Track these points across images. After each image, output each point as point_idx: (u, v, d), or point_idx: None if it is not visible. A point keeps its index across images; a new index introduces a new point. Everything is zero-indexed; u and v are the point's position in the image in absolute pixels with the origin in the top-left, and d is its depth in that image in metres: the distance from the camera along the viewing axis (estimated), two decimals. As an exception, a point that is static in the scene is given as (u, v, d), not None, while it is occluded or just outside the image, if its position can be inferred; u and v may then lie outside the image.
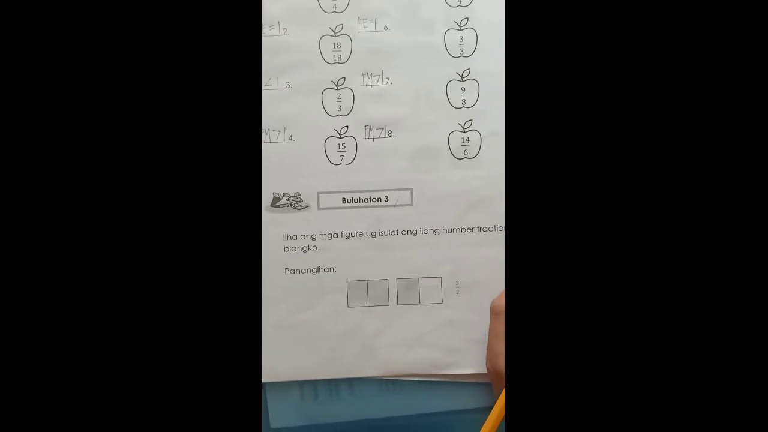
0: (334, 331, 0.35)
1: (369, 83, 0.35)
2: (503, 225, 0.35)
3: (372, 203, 0.35)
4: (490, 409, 0.28)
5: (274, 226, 0.35)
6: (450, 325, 0.35)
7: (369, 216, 0.35)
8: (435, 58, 0.35)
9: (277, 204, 0.35)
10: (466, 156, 0.35)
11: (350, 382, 0.35)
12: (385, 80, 0.35)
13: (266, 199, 0.35)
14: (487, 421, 0.28)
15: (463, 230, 0.35)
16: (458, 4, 0.35)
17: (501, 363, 0.31)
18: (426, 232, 0.35)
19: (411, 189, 0.35)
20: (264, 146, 0.35)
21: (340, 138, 0.35)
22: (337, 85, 0.35)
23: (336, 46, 0.35)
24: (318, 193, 0.35)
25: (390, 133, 0.35)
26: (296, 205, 0.35)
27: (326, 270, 0.35)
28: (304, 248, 0.35)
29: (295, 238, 0.35)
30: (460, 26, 0.35)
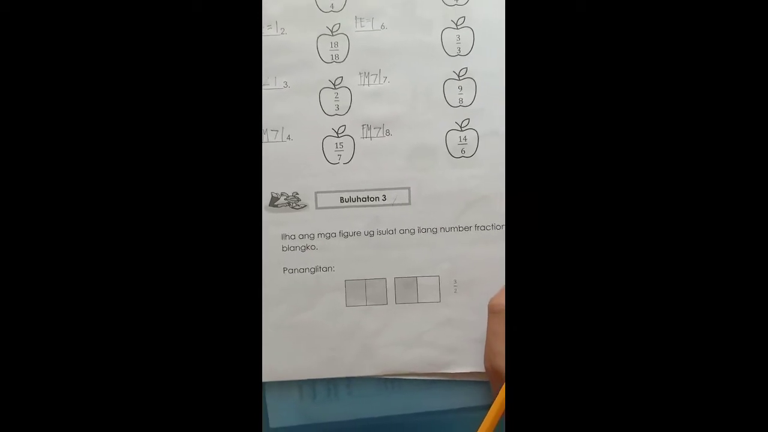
0: (333, 330, 0.35)
1: (366, 82, 0.35)
2: (501, 224, 0.35)
3: (370, 202, 0.35)
4: (488, 407, 0.28)
5: (272, 225, 0.35)
6: (448, 323, 0.35)
7: (367, 215, 0.35)
8: (432, 57, 0.35)
9: (276, 204, 0.35)
10: (464, 155, 0.35)
11: (349, 381, 0.35)
12: (382, 79, 0.35)
13: (264, 198, 0.35)
14: (485, 419, 0.28)
15: (461, 229, 0.35)
16: (455, 2, 0.35)
17: (499, 361, 0.31)
18: (424, 230, 0.35)
19: (408, 188, 0.35)
20: (262, 146, 0.35)
21: (338, 137, 0.35)
22: (334, 85, 0.35)
23: (333, 45, 0.35)
24: (316, 193, 0.35)
25: (387, 132, 0.35)
26: (294, 204, 0.35)
27: (324, 269, 0.35)
28: (303, 248, 0.35)
29: (293, 237, 0.35)
30: (457, 25, 0.35)
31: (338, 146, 0.35)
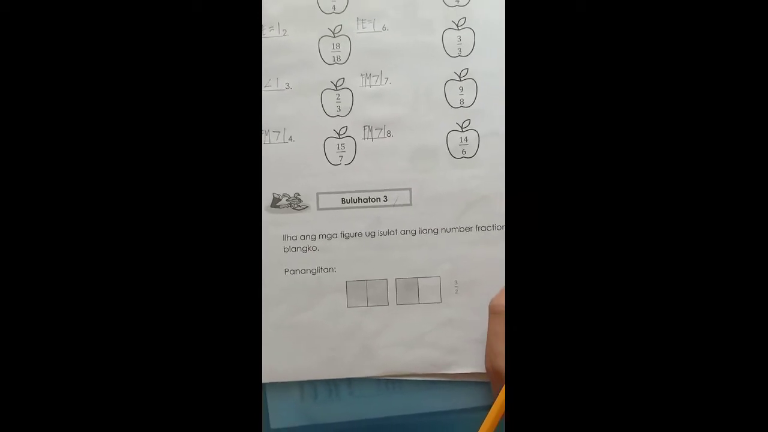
0: (334, 331, 0.35)
1: (368, 83, 0.35)
2: (502, 224, 0.35)
3: (371, 203, 0.35)
4: (489, 408, 0.28)
5: (273, 226, 0.35)
6: (449, 324, 0.35)
7: (368, 216, 0.35)
8: (433, 58, 0.35)
9: (277, 204, 0.35)
10: (465, 155, 0.35)
11: (350, 382, 0.35)
12: (383, 80, 0.35)
13: (266, 199, 0.35)
14: (485, 420, 0.28)
15: (462, 230, 0.35)
16: (456, 4, 0.35)
17: (500, 362, 0.31)
18: (425, 231, 0.35)
19: (410, 189, 0.35)
20: (263, 147, 0.35)
21: (340, 138, 0.35)
22: (336, 86, 0.35)
23: (335, 46, 0.35)
24: (317, 194, 0.35)
25: (389, 133, 0.35)
26: (296, 205, 0.35)
27: (326, 270, 0.35)
28: (304, 248, 0.35)
29: (294, 238, 0.35)
30: (458, 26, 0.35)
31: (340, 147, 0.35)
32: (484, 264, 0.35)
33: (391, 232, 0.35)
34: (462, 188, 0.35)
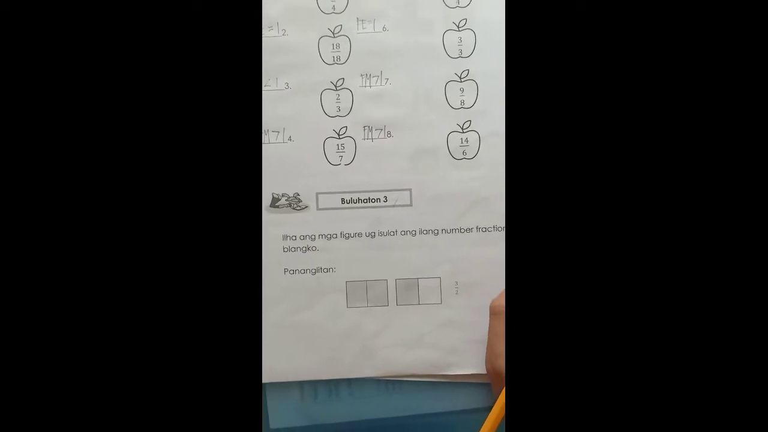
0: (334, 331, 0.35)
1: (368, 84, 0.35)
2: (502, 225, 0.35)
3: (371, 204, 0.35)
4: (489, 409, 0.28)
5: (273, 226, 0.35)
6: (449, 325, 0.35)
7: (368, 216, 0.35)
8: (434, 59, 0.35)
9: (277, 204, 0.35)
10: (465, 156, 0.35)
11: (350, 382, 0.35)
12: (384, 81, 0.35)
13: (265, 199, 0.35)
14: (486, 421, 0.28)
15: (462, 230, 0.35)
16: (457, 5, 0.35)
17: (500, 363, 0.31)
18: (425, 232, 0.35)
19: (410, 189, 0.35)
20: (263, 147, 0.35)
21: (339, 138, 0.35)
22: (336, 86, 0.35)
23: (335, 46, 0.35)
24: (317, 194, 0.35)
25: (389, 134, 0.35)
26: (295, 205, 0.35)
27: (325, 270, 0.35)
28: (304, 249, 0.35)
29: (294, 238, 0.35)
30: (458, 27, 0.35)
31: (339, 147, 0.35)
32: (485, 265, 0.35)
33: (392, 233, 0.35)
34: (462, 189, 0.35)
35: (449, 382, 0.35)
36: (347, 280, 0.35)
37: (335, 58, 0.35)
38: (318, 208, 0.35)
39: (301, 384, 0.36)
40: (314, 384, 0.36)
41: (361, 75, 0.35)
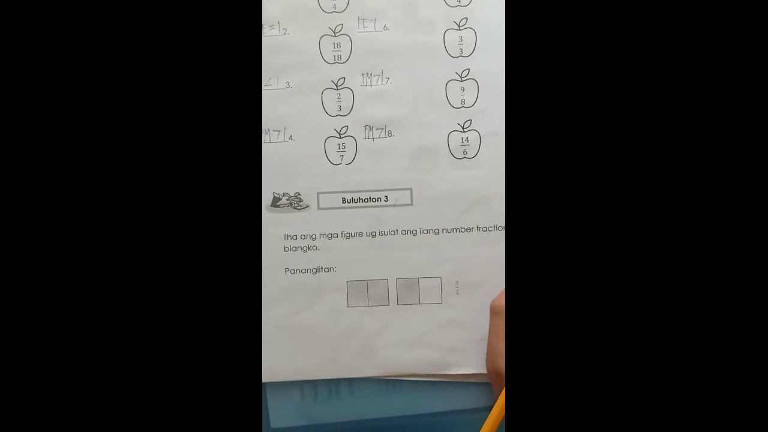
0: (334, 331, 0.35)
1: (369, 83, 0.35)
2: (503, 225, 0.35)
3: (372, 203, 0.35)
4: (489, 408, 0.28)
5: (274, 226, 0.35)
6: (450, 324, 0.35)
7: (369, 216, 0.35)
8: (434, 58, 0.35)
9: (277, 204, 0.35)
10: (466, 156, 0.35)
11: (350, 382, 0.35)
12: (384, 80, 0.35)
13: (266, 199, 0.35)
14: (486, 420, 0.28)
15: (463, 230, 0.35)
16: (457, 4, 0.35)
17: (501, 363, 0.31)
18: (426, 232, 0.35)
19: (411, 189, 0.35)
20: (264, 146, 0.35)
21: (340, 138, 0.35)
22: (336, 85, 0.35)
23: (336, 46, 0.35)
24: (318, 193, 0.35)
25: (390, 133, 0.35)
26: (296, 205, 0.35)
27: (326, 270, 0.35)
28: (304, 248, 0.35)
29: (295, 238, 0.35)
30: (459, 26, 0.35)
31: (340, 147, 0.35)
32: (485, 264, 0.35)
33: (392, 232, 0.35)
34: (463, 189, 0.35)
35: (449, 382, 0.35)
36: (348, 279, 0.35)
37: (336, 58, 0.35)
38: (319, 208, 0.35)
39: (301, 384, 0.36)
40: (314, 384, 0.36)
41: (362, 74, 0.35)
